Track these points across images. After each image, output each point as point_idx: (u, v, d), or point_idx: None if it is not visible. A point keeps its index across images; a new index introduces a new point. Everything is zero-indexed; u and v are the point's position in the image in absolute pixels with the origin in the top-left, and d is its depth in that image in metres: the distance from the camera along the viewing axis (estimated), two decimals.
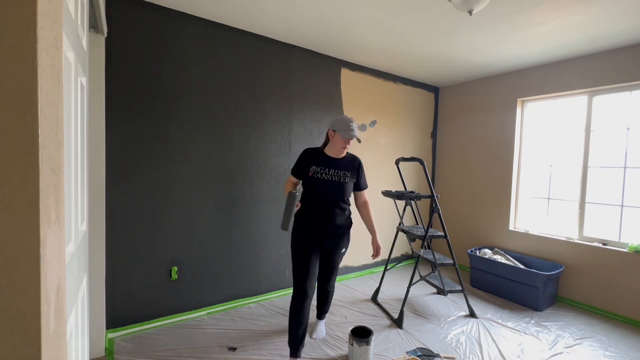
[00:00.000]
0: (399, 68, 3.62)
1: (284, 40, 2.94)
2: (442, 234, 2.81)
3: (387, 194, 2.94)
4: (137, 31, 2.27)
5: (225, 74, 2.66)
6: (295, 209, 1.91)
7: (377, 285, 3.27)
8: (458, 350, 2.26)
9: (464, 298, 2.90)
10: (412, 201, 2.93)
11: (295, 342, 2.01)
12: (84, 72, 1.36)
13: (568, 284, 3.13)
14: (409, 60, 3.35)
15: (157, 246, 2.43)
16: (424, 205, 4.35)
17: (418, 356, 2.06)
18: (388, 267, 3.12)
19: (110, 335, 2.25)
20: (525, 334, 2.53)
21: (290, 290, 3.14)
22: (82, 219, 1.33)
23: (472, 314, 2.78)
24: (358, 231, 3.70)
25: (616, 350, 2.33)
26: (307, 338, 2.33)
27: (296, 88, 3.08)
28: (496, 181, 3.75)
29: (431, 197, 2.76)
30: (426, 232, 2.74)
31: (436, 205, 2.74)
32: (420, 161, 2.73)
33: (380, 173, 3.85)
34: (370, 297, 3.11)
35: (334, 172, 2.02)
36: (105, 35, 2.01)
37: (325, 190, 2.00)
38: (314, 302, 2.66)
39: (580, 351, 2.31)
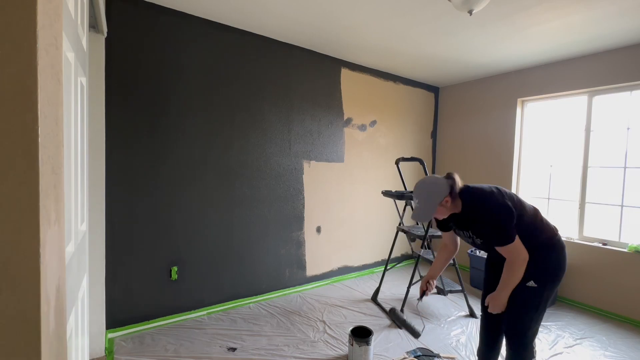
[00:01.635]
0: (399, 68, 3.62)
1: (283, 40, 2.93)
2: None
3: (387, 194, 2.94)
4: (137, 31, 2.27)
5: (225, 73, 2.66)
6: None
7: (377, 285, 3.26)
8: (458, 350, 2.26)
9: (464, 298, 2.90)
10: (412, 201, 2.93)
11: None
12: (84, 72, 1.36)
13: (568, 284, 3.12)
14: (409, 60, 3.35)
15: (157, 246, 2.43)
16: None
17: (418, 356, 2.06)
18: (388, 267, 3.11)
19: (110, 335, 2.25)
20: None
21: (290, 290, 3.14)
22: (82, 219, 1.33)
23: (472, 314, 2.78)
24: (358, 231, 3.70)
25: (616, 350, 2.33)
26: (310, 339, 2.34)
27: (296, 88, 3.08)
28: (496, 181, 3.75)
29: None
30: (426, 232, 2.74)
31: None
32: (420, 161, 2.73)
33: (380, 173, 3.85)
34: (370, 297, 3.10)
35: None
36: (105, 35, 2.01)
37: None
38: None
39: (580, 351, 2.31)
